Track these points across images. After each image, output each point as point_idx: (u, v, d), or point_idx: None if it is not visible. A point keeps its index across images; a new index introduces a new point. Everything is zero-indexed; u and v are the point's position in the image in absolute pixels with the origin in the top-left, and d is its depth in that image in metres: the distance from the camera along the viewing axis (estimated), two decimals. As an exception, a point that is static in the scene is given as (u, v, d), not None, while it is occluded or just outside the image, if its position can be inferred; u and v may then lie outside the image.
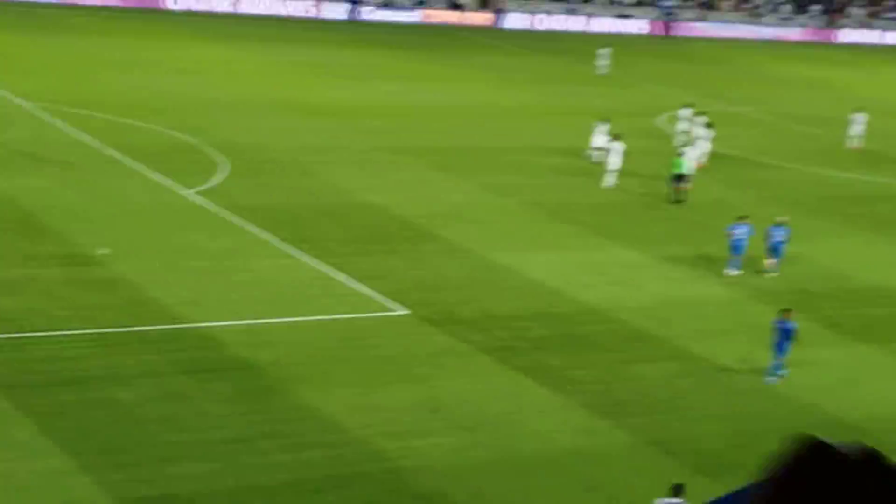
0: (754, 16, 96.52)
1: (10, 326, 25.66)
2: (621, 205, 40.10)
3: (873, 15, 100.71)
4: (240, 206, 35.51)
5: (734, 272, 33.54)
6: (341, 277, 30.78)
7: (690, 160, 41.38)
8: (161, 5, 76.66)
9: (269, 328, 27.31)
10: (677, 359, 27.94)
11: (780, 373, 26.99)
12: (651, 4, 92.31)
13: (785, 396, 26.43)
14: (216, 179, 38.33)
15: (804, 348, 27.33)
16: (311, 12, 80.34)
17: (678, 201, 40.49)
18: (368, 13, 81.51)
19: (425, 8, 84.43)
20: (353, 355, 26.37)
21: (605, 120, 44.90)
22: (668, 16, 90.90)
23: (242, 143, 43.14)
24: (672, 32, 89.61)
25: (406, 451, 22.42)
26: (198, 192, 36.66)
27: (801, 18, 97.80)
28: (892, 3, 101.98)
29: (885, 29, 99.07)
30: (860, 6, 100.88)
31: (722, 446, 23.96)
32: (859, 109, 52.56)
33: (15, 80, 49.36)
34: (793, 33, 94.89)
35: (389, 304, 29.34)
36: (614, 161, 41.86)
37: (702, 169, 43.77)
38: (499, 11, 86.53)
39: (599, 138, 43.90)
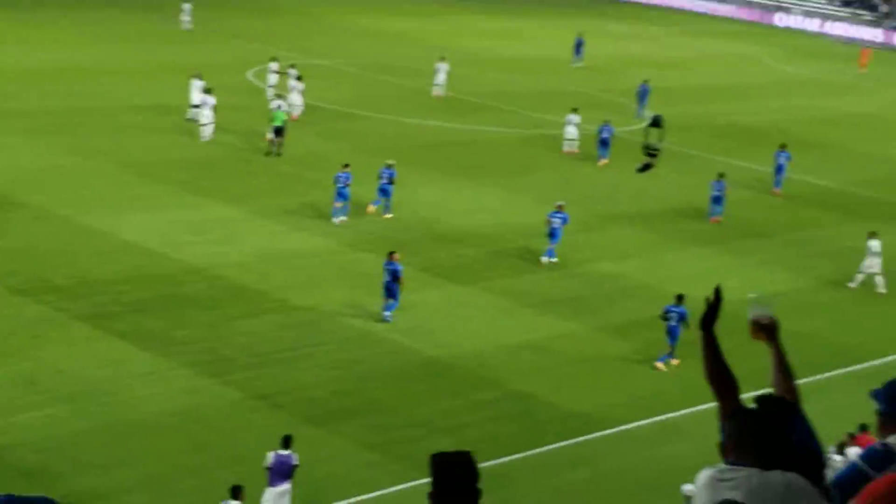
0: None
1: None
2: (217, 161, 39.66)
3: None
4: None
5: (340, 219, 34.30)
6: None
7: (285, 112, 41.64)
8: None
9: None
10: (281, 311, 28.08)
11: (391, 311, 27.80)
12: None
13: (387, 340, 27.10)
14: None
15: (404, 293, 28.15)
16: None
17: (275, 154, 40.54)
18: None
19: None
20: (-61, 333, 24.90)
21: (198, 76, 44.17)
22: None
23: None
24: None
25: (5, 428, 21.56)
26: None
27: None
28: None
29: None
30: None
31: (328, 394, 24.32)
32: (442, 59, 54.27)
33: None
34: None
35: (-26, 276, 27.85)
36: (207, 114, 41.44)
37: (295, 121, 43.99)
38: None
39: (196, 95, 43.15)
